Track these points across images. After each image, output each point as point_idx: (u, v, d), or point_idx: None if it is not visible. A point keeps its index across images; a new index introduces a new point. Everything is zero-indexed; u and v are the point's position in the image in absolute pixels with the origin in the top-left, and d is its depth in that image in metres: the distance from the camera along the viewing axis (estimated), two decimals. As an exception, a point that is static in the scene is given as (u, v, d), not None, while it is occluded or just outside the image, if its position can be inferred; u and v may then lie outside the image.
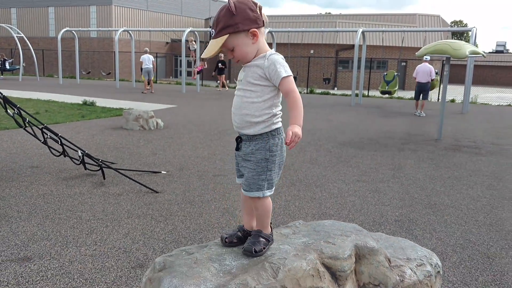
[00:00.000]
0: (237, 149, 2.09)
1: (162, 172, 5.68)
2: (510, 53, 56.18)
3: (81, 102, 13.24)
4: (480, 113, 14.82)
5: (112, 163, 5.83)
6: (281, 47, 29.50)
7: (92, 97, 14.11)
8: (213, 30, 1.97)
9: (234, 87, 14.76)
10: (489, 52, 47.37)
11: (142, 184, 4.90)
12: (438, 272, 2.09)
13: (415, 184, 5.53)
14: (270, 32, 18.61)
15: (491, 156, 7.38)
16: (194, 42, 22.28)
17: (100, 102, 13.70)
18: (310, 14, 36.60)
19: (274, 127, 2.01)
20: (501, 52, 52.40)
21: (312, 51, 30.16)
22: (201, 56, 2.02)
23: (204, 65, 21.80)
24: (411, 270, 1.95)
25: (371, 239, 1.97)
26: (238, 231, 2.10)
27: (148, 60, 18.18)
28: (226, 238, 2.06)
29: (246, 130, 2.01)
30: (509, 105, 19.12)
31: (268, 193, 2.02)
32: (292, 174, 5.79)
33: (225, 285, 1.65)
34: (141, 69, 18.57)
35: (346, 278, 1.81)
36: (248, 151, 2.01)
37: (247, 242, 1.97)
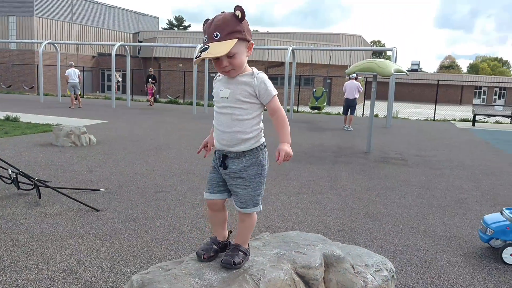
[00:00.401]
0: (224, 167, 2.08)
1: (101, 189, 5.50)
2: (423, 71, 60.47)
3: (3, 118, 12.45)
4: (402, 127, 15.78)
5: (46, 181, 5.55)
6: (212, 63, 29.57)
7: (15, 112, 13.32)
8: (217, 33, 1.95)
9: (168, 102, 14.64)
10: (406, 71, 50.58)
11: (81, 203, 4.72)
12: (393, 276, 2.23)
13: (352, 195, 5.79)
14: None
15: (417, 167, 7.89)
16: (117, 76, 21.36)
17: (25, 117, 12.98)
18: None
19: (261, 141, 2.09)
20: (416, 70, 56.31)
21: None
22: (207, 56, 1.94)
23: (153, 88, 21.38)
24: (372, 275, 2.07)
25: (336, 248, 2.07)
26: (213, 244, 2.12)
27: (74, 74, 17.52)
28: (204, 254, 2.06)
29: (237, 147, 2.04)
30: (426, 119, 20.53)
31: (261, 206, 2.09)
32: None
33: (206, 299, 1.66)
34: (67, 83, 17.83)
35: (318, 286, 1.89)
36: (239, 168, 2.04)
37: (226, 255, 1.99)
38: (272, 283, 1.77)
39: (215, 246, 2.12)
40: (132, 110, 18.06)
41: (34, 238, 3.85)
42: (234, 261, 1.92)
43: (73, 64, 18.12)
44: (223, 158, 2.08)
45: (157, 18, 50.76)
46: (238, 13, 1.96)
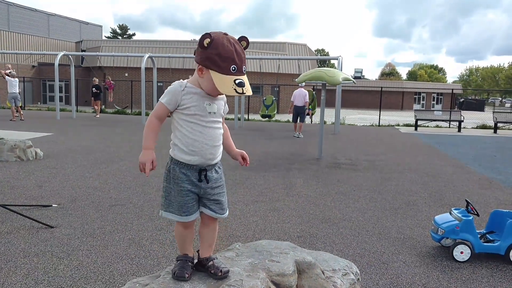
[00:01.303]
0: (207, 181, 2.10)
1: (53, 205, 5.30)
2: (366, 79, 62.64)
3: None
4: (350, 133, 16.27)
5: (-8, 199, 5.28)
6: (161, 72, 29.30)
7: (-49, 127, 12.56)
8: (244, 67, 2.02)
9: (114, 112, 14.27)
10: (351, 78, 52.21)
11: (34, 219, 4.53)
12: (358, 279, 2.32)
13: (308, 201, 5.91)
14: (150, 57, 18.41)
15: (367, 172, 8.17)
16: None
17: (-39, 131, 12.26)
18: (188, 40, 36.98)
19: None
20: (359, 78, 58.25)
21: (190, 76, 30.37)
22: (248, 94, 2.02)
23: (112, 83, 21.08)
24: (340, 279, 2.14)
25: (307, 254, 2.12)
26: (188, 262, 2.12)
27: (14, 85, 16.74)
28: (187, 273, 2.05)
29: (218, 159, 2.13)
30: (372, 125, 21.27)
31: None
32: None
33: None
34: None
35: (292, 293, 1.93)
36: (218, 177, 2.12)
37: (217, 268, 2.01)
38: (250, 292, 1.80)
39: (190, 263, 2.13)
40: (78, 122, 17.50)
41: (-15, 259, 3.66)
42: (227, 269, 1.99)
43: (15, 74, 17.30)
44: (202, 172, 2.08)
45: (101, 26, 49.66)
46: (244, 44, 2.07)
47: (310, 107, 18.50)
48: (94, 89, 20.63)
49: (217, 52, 1.97)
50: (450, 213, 4.18)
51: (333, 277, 2.12)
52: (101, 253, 3.86)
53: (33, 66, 35.96)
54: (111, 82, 23.04)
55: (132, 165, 8.13)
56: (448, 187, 7.09)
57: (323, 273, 2.10)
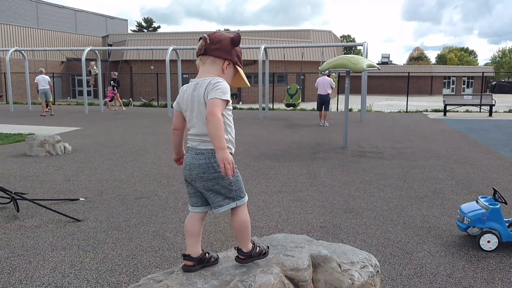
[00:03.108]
0: None
1: (80, 199, 5.43)
2: (394, 64, 61.48)
3: (-28, 129, 12.13)
4: (376, 120, 16.04)
5: (23, 193, 5.45)
6: (186, 64, 29.45)
7: (-15, 123, 13.00)
8: None
9: (141, 105, 14.48)
10: (376, 63, 51.38)
11: (61, 214, 4.65)
12: (378, 271, 2.29)
13: (332, 190, 5.87)
14: (174, 49, 18.53)
15: (393, 160, 8.05)
16: (95, 67, 21.19)
17: (-6, 128, 12.66)
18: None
19: None
20: (386, 63, 57.22)
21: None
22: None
23: (115, 91, 21.08)
24: (358, 272, 2.12)
25: (323, 248, 2.11)
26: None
27: (43, 81, 17.17)
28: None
29: None
30: (399, 111, 20.91)
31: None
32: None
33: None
34: (38, 90, 17.47)
35: (307, 287, 1.92)
36: None
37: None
38: (263, 288, 1.80)
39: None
40: (106, 115, 17.83)
41: (15, 253, 3.78)
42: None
43: (43, 71, 17.75)
44: None
45: (126, 20, 50.20)
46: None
47: (292, 100, 18.19)
48: (112, 82, 20.91)
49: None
50: (477, 202, 4.08)
51: (350, 270, 2.10)
52: (126, 246, 3.94)
53: (62, 62, 36.75)
54: (113, 92, 22.26)
55: (158, 157, 8.24)
56: (476, 174, 6.92)
57: (339, 266, 2.08)
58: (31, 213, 4.85)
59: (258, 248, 2.16)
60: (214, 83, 2.07)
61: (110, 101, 21.08)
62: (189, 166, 2.20)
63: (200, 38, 2.20)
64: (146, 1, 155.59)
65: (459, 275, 3.36)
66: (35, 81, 17.32)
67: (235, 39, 2.16)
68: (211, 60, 2.17)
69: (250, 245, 2.16)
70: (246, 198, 2.21)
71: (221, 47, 2.14)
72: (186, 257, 2.18)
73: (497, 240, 3.80)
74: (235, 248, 2.25)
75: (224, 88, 2.06)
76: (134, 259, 3.66)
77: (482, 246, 3.82)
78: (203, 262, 2.18)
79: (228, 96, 2.07)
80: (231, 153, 2.13)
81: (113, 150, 9.03)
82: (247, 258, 2.13)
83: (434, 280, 3.27)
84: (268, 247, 2.22)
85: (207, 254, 2.24)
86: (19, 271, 3.43)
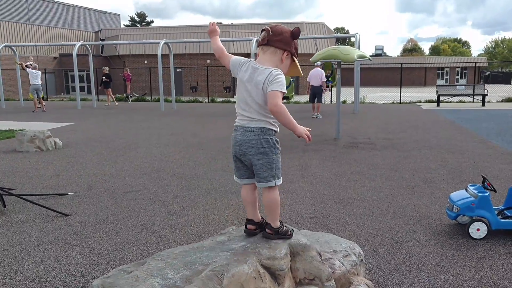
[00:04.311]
0: None
1: (69, 193, 5.37)
2: (387, 55, 61.45)
3: (-38, 126, 12.00)
4: (370, 112, 16.02)
5: (11, 189, 5.37)
6: (178, 58, 29.31)
7: (-25, 120, 12.87)
8: None
9: (135, 100, 14.34)
10: (370, 55, 51.36)
11: (49, 208, 4.60)
12: (361, 260, 2.26)
13: (322, 181, 5.84)
14: (166, 43, 18.40)
15: (385, 150, 8.03)
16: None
17: (-15, 124, 12.54)
18: (205, 24, 36.83)
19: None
20: (380, 55, 57.16)
21: (208, 61, 30.38)
22: None
23: (129, 73, 21.48)
24: (339, 261, 2.09)
25: (302, 236, 2.07)
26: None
27: (36, 76, 17.02)
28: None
29: None
30: (393, 102, 20.90)
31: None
32: (206, 183, 5.81)
33: (170, 299, 1.63)
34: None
35: (284, 277, 1.89)
36: None
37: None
38: (236, 278, 1.76)
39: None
40: (99, 111, 17.71)
41: (0, 248, 3.73)
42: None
43: (37, 66, 17.57)
44: None
45: (118, 15, 49.87)
46: None
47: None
48: (104, 77, 20.77)
49: (297, 43, 2.44)
50: (466, 190, 4.05)
51: (332, 259, 2.07)
52: (112, 239, 3.90)
53: (55, 58, 36.48)
54: (129, 73, 23.11)
55: (149, 151, 8.19)
56: (468, 163, 6.91)
57: (319, 255, 2.05)
58: (18, 208, 4.79)
59: (285, 227, 2.38)
60: (275, 75, 2.28)
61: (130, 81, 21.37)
62: (239, 142, 2.40)
63: (263, 30, 2.41)
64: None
65: (448, 264, 3.34)
66: (27, 71, 17.16)
67: (295, 33, 2.35)
68: (272, 50, 2.38)
69: (278, 223, 2.38)
70: (281, 180, 2.46)
71: (282, 39, 2.35)
72: (249, 221, 2.46)
73: (486, 228, 3.79)
74: (247, 220, 2.49)
75: (283, 81, 2.29)
76: (120, 252, 3.62)
77: (472, 234, 3.81)
78: (262, 227, 2.43)
79: (285, 89, 2.31)
80: (275, 131, 2.46)
81: (104, 145, 8.97)
82: (274, 233, 2.32)
83: (423, 269, 3.25)
84: (293, 229, 2.43)
85: (265, 220, 2.49)
86: (3, 266, 3.38)
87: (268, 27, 2.39)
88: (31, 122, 13.39)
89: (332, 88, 18.53)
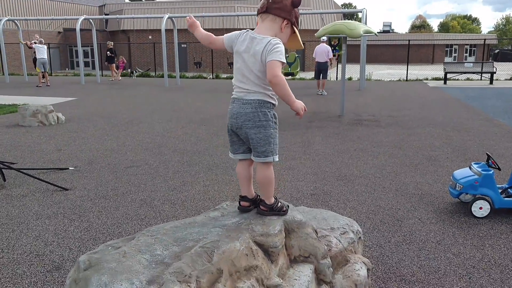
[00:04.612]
0: None
1: (70, 168, 5.35)
2: (395, 32, 60.55)
3: (-35, 100, 11.99)
4: (375, 89, 15.83)
5: (12, 163, 5.36)
6: (182, 33, 28.98)
7: (-22, 94, 12.84)
8: None
9: (139, 76, 14.19)
10: (377, 32, 50.59)
11: (49, 183, 4.58)
12: (360, 238, 2.21)
13: (325, 158, 5.78)
14: (170, 18, 18.15)
15: (389, 128, 7.93)
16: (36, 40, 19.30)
17: (-12, 99, 12.52)
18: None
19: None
20: (388, 32, 56.31)
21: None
22: None
23: (124, 61, 20.93)
24: (336, 239, 2.04)
25: (297, 213, 2.02)
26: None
27: (42, 51, 16.91)
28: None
29: None
30: (399, 80, 20.65)
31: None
32: (208, 159, 5.76)
33: (159, 276, 1.60)
34: (35, 60, 17.20)
35: (278, 254, 1.84)
36: None
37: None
38: (226, 254, 1.71)
39: None
40: (102, 86, 17.63)
41: None
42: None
43: (43, 41, 17.44)
44: None
45: (123, -11, 49.17)
46: None
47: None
48: (108, 52, 20.60)
49: (298, 12, 2.32)
50: (470, 168, 3.98)
51: (328, 236, 2.02)
52: (111, 214, 3.88)
53: (59, 32, 36.18)
54: (124, 61, 22.28)
55: (152, 127, 8.14)
56: (473, 141, 6.81)
57: (315, 232, 2.00)
58: (18, 182, 4.78)
59: (279, 203, 2.32)
60: (274, 44, 2.16)
61: (123, 70, 20.90)
62: (236, 115, 2.30)
63: None
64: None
65: (449, 242, 3.30)
66: (32, 47, 17.04)
67: (296, 1, 2.23)
68: (271, 18, 2.25)
69: (273, 199, 2.32)
70: (278, 157, 2.37)
71: (281, 7, 2.23)
72: (242, 198, 2.37)
73: (489, 207, 3.73)
74: (240, 196, 2.39)
75: (282, 50, 2.17)
76: (119, 227, 3.60)
77: (474, 213, 3.75)
78: (256, 203, 2.36)
79: (284, 59, 2.18)
80: (274, 105, 2.37)
81: (107, 120, 8.92)
82: (269, 210, 2.27)
83: (423, 247, 3.21)
84: (288, 205, 2.36)
85: (258, 196, 2.41)
86: (1, 239, 3.37)
87: None
88: (34, 97, 13.34)
89: (339, 57, 18.11)
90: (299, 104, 2.31)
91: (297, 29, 2.34)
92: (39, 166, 5.51)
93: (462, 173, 3.95)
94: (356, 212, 3.91)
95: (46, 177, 4.91)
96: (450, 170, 5.18)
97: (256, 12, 2.32)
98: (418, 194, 4.38)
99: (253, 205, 2.35)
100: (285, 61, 2.18)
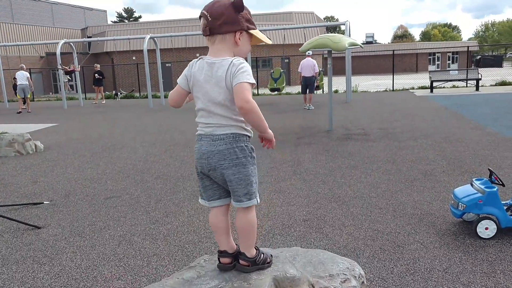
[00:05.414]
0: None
1: (45, 202, 4.99)
2: (378, 43, 61.14)
3: None
4: (363, 101, 15.67)
5: (-19, 200, 5.00)
6: (165, 52, 28.80)
7: (-45, 125, 12.40)
8: None
9: (123, 97, 13.91)
10: (361, 43, 51.03)
11: (19, 221, 4.22)
12: (363, 282, 1.92)
13: (316, 178, 5.50)
14: (152, 38, 17.91)
15: (380, 141, 7.69)
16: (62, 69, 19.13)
17: (-35, 129, 12.07)
18: (193, 17, 36.18)
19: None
20: (371, 42, 56.82)
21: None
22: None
23: (77, 69, 19.60)
24: (337, 288, 1.74)
25: (290, 265, 1.73)
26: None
27: (22, 77, 16.53)
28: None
29: None
30: (385, 90, 20.57)
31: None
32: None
33: None
34: (15, 86, 16.83)
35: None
36: None
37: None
38: None
39: None
40: (85, 109, 17.25)
41: (-38, 270, 3.36)
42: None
43: (24, 67, 17.08)
44: None
45: (105, 11, 49.10)
46: None
47: (276, 84, 17.71)
48: (96, 75, 20.26)
49: (248, 11, 1.94)
50: (472, 185, 3.72)
51: (328, 287, 1.72)
52: (87, 255, 3.53)
53: (41, 57, 35.77)
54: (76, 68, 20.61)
55: (134, 151, 7.80)
56: (468, 152, 6.58)
57: (313, 286, 1.70)
58: (-13, 221, 4.41)
59: (262, 255, 2.01)
60: (238, 65, 1.85)
61: (66, 73, 19.27)
62: (207, 155, 1.97)
63: (200, 16, 1.93)
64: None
65: (457, 270, 3.01)
66: (15, 77, 16.70)
67: (237, 4, 1.86)
68: (220, 38, 1.91)
69: (254, 251, 1.99)
70: (259, 198, 2.05)
71: (226, 20, 1.86)
72: (222, 253, 2.03)
73: (495, 226, 3.46)
74: (219, 252, 2.04)
75: (249, 70, 1.88)
76: (94, 270, 3.25)
77: (480, 234, 3.48)
78: (237, 258, 2.03)
79: (253, 79, 1.88)
80: (249, 137, 2.03)
81: (88, 146, 8.57)
82: (251, 264, 1.95)
83: (429, 277, 2.92)
84: (271, 255, 2.03)
85: (258, 251, 2.05)
86: (-38, 292, 3.02)
87: (205, 11, 1.89)
88: (14, 124, 12.93)
89: (319, 87, 17.91)
90: (271, 133, 2.04)
91: (254, 29, 1.99)
92: (11, 201, 5.14)
93: (464, 191, 3.69)
94: (353, 238, 3.61)
95: (18, 214, 4.56)
96: (447, 185, 4.92)
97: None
98: (417, 214, 4.10)
99: (236, 260, 2.00)
100: (254, 81, 1.88)
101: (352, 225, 3.90)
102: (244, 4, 1.90)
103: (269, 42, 2.08)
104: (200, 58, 1.97)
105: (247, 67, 1.86)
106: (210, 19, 1.86)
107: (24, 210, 4.77)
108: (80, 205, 4.85)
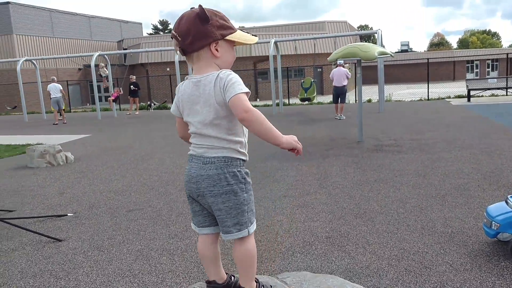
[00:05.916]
0: None
1: (68, 214, 5.02)
2: (414, 51, 59.96)
3: (-20, 143, 11.95)
4: (396, 110, 15.30)
5: (9, 211, 5.08)
6: (198, 64, 29.02)
7: (-6, 135, 12.83)
8: None
9: (156, 108, 14.08)
10: (395, 52, 50.16)
11: (40, 234, 4.23)
12: (377, 311, 1.76)
13: (342, 192, 5.31)
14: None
15: (412, 153, 7.41)
16: (105, 68, 20.99)
17: (4, 139, 12.48)
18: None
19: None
20: (406, 51, 55.82)
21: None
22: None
23: (120, 91, 20.70)
24: (346, 320, 1.59)
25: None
26: None
27: (55, 90, 17.01)
28: None
29: None
30: (420, 99, 20.04)
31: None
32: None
33: None
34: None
35: None
36: None
37: None
38: None
39: None
40: (119, 121, 17.56)
41: (-20, 283, 3.38)
42: None
43: (55, 79, 17.60)
44: None
45: (140, 24, 50.21)
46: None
47: (307, 94, 17.42)
48: (132, 86, 20.66)
49: (220, 16, 1.78)
50: (506, 202, 3.47)
51: (335, 319, 1.58)
52: (103, 269, 3.48)
53: (79, 69, 36.90)
54: (119, 92, 21.33)
55: (162, 162, 7.81)
56: (506, 165, 6.24)
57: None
58: (11, 234, 4.45)
59: (263, 287, 1.85)
60: (225, 77, 1.73)
61: (114, 101, 20.66)
62: (196, 179, 1.83)
63: (172, 37, 1.83)
64: (164, 4, 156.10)
65: (489, 295, 2.79)
66: (47, 90, 17.20)
67: (201, 15, 1.72)
68: (196, 55, 1.80)
69: (254, 284, 1.84)
70: (255, 225, 1.89)
71: (195, 36, 1.74)
72: (210, 284, 1.92)
73: (533, 248, 3.20)
74: (207, 282, 1.93)
75: (239, 80, 1.75)
76: (108, 286, 3.20)
77: (515, 255, 3.23)
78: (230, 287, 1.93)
79: (245, 87, 1.74)
80: (244, 161, 1.90)
81: (117, 157, 8.65)
82: None
83: (458, 303, 2.71)
84: (271, 286, 1.89)
85: (232, 278, 1.95)
86: (-23, 307, 3.01)
87: (174, 32, 1.78)
88: (50, 136, 13.27)
89: (312, 101, 17.66)
90: (290, 138, 1.83)
91: (231, 33, 1.83)
92: (38, 212, 5.20)
93: (498, 208, 3.44)
94: (377, 258, 3.42)
95: (43, 226, 4.59)
96: (482, 201, 4.65)
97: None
98: (448, 232, 3.87)
99: None
100: (248, 90, 1.74)
101: (377, 243, 3.71)
102: (213, 9, 1.77)
103: (254, 41, 1.91)
104: (184, 80, 1.89)
105: (235, 77, 1.74)
106: (180, 39, 1.76)
107: (48, 222, 4.80)
108: (102, 218, 4.84)
